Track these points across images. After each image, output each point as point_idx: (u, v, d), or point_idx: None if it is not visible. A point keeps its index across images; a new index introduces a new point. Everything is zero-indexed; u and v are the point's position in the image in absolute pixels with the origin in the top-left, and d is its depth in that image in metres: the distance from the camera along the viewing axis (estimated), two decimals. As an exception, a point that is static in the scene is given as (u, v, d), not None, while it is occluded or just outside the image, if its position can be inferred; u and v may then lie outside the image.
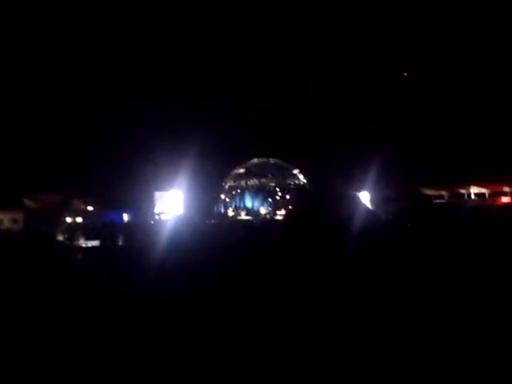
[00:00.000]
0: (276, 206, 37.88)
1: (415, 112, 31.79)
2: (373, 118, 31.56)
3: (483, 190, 33.73)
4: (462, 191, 34.04)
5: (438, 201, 31.82)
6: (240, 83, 31.97)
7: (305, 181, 38.05)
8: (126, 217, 31.39)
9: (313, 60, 31.96)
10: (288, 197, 38.17)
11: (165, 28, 30.43)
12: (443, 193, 33.39)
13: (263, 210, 38.69)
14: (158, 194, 35.33)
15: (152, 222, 26.72)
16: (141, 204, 32.76)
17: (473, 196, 33.84)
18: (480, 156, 29.51)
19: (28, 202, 31.38)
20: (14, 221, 27.73)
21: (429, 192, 32.98)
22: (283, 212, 35.64)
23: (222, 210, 38.67)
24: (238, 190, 40.09)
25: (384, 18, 30.26)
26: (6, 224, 25.82)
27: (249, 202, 39.93)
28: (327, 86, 31.58)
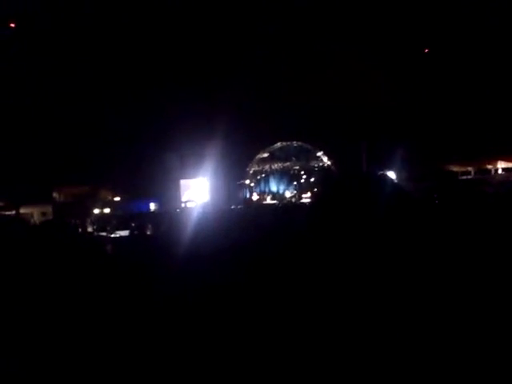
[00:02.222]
0: (301, 189, 37.87)
1: (440, 88, 31.44)
2: (396, 96, 31.29)
3: (510, 165, 33.24)
4: (489, 166, 33.62)
5: (464, 177, 31.50)
6: (262, 68, 31.88)
7: (329, 163, 37.94)
8: (152, 206, 31.65)
9: (334, 40, 31.72)
10: (313, 179, 38.14)
11: (187, 15, 30.44)
12: (469, 169, 33.02)
13: (288, 194, 38.70)
14: (183, 183, 35.52)
15: (178, 211, 26.91)
16: (167, 193, 32.97)
17: (500, 171, 33.38)
18: (506, 130, 29.08)
19: (56, 195, 31.82)
20: (43, 214, 28.14)
21: (455, 168, 32.66)
22: (308, 195, 35.63)
23: (248, 195, 38.73)
24: (263, 175, 40.12)
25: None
26: (36, 218, 26.18)
27: (274, 186, 39.96)
28: (349, 67, 31.36)
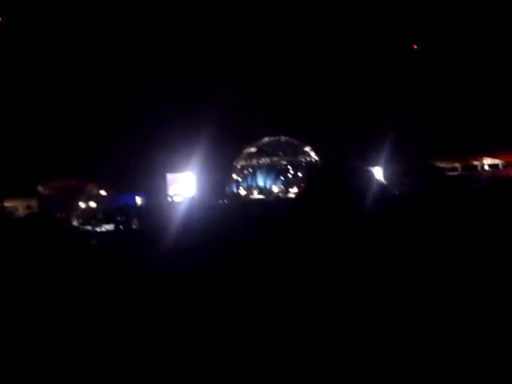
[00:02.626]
0: (288, 184, 37.88)
1: (426, 84, 31.52)
2: (383, 91, 31.35)
3: (496, 161, 33.41)
4: (475, 163, 33.77)
5: (451, 173, 31.63)
6: (249, 62, 31.81)
7: (317, 158, 37.94)
8: (139, 200, 31.51)
9: (320, 35, 31.70)
10: (300, 174, 38.14)
11: (176, 10, 30.31)
12: (456, 165, 33.15)
13: (275, 189, 38.69)
14: (170, 176, 35.37)
15: (165, 204, 26.82)
16: (154, 187, 32.84)
17: (486, 167, 33.55)
18: (492, 126, 29.23)
19: (41, 189, 31.56)
20: (28, 207, 27.91)
21: (442, 164, 32.78)
22: (295, 190, 35.66)
23: (235, 190, 38.69)
24: (250, 170, 40.06)
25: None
26: (21, 211, 25.98)
27: (261, 181, 39.90)
28: (336, 61, 31.38)
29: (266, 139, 38.60)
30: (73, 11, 29.68)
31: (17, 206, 28.02)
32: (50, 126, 29.61)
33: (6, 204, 27.17)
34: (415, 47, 33.81)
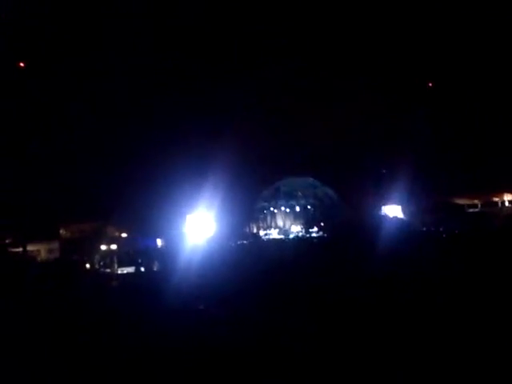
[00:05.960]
0: (307, 224, 37.85)
1: (445, 122, 31.56)
2: (402, 130, 31.44)
3: (517, 197, 33.16)
4: (496, 199, 33.53)
5: (471, 210, 31.41)
6: (267, 104, 32.14)
7: (335, 197, 37.94)
8: (159, 242, 31.51)
9: (339, 76, 32.02)
10: (319, 214, 38.14)
11: (195, 45, 30.75)
12: (476, 201, 32.95)
13: (295, 228, 38.68)
14: (190, 217, 35.44)
15: (185, 246, 26.85)
16: (174, 228, 32.87)
17: (507, 203, 33.29)
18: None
19: (63, 232, 31.75)
20: (50, 251, 28.09)
21: (462, 201, 32.60)
22: (315, 229, 35.67)
23: (255, 230, 38.73)
24: (270, 209, 40.16)
25: (409, 30, 30.29)
26: (43, 254, 26.16)
27: (280, 221, 39.95)
28: (355, 102, 31.62)
29: (285, 179, 38.74)
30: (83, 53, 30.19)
31: (39, 249, 28.21)
32: (71, 171, 29.97)
33: (29, 248, 27.35)
34: (431, 85, 33.98)
